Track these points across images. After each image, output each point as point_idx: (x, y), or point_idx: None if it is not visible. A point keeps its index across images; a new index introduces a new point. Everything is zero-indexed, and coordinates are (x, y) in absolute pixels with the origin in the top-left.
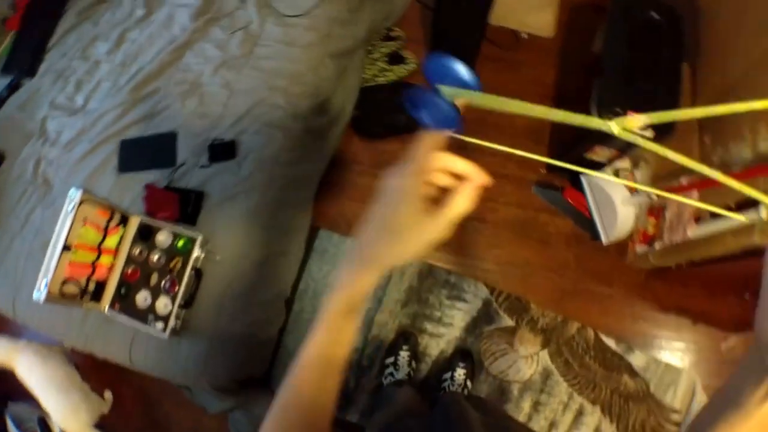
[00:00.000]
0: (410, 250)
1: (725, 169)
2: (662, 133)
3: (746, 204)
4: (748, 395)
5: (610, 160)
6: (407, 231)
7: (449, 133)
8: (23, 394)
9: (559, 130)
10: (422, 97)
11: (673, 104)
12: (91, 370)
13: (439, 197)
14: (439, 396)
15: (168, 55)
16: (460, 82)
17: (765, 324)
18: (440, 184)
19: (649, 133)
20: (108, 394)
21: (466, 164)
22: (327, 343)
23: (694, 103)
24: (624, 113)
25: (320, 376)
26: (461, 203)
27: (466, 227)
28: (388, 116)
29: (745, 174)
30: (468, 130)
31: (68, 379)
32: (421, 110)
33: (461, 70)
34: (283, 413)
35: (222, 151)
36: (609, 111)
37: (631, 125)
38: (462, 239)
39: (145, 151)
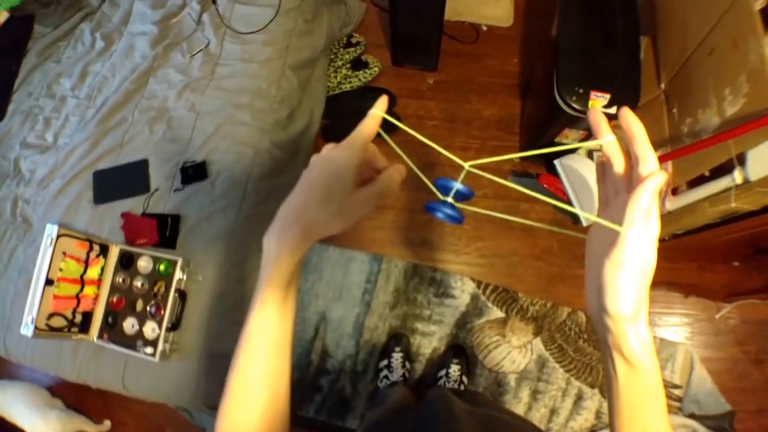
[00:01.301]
0: (342, 221)
1: (695, 137)
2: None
3: (721, 170)
4: (610, 374)
5: (581, 142)
6: (340, 201)
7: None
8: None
9: (529, 117)
10: (435, 206)
11: (634, 78)
12: (92, 401)
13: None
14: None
15: (131, 83)
16: (458, 193)
17: (589, 296)
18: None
19: (614, 110)
20: (107, 422)
21: (386, 162)
22: (270, 321)
23: (658, 75)
24: (586, 93)
25: (268, 354)
26: (389, 179)
27: (446, 224)
28: (356, 122)
29: (714, 139)
30: (439, 127)
31: (42, 400)
32: (436, 213)
33: (457, 186)
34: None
35: (194, 173)
36: (570, 92)
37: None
38: (444, 235)
39: (118, 181)
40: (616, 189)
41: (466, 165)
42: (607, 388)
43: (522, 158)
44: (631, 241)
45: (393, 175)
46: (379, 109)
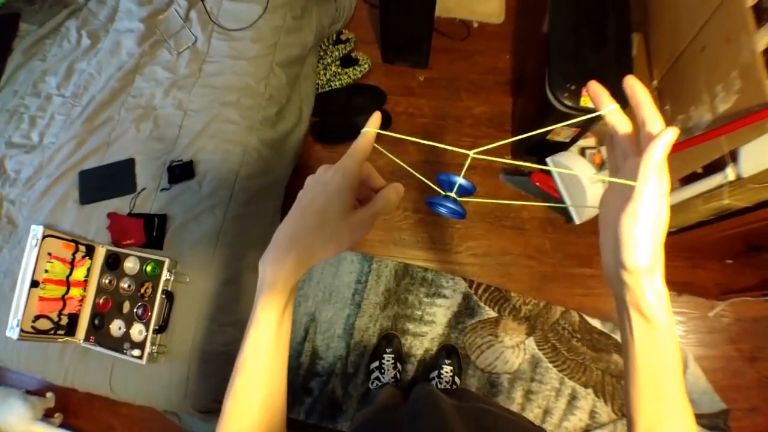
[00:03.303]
0: (336, 245)
1: (687, 134)
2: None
3: (713, 167)
4: (627, 337)
5: (572, 139)
6: (334, 226)
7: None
8: None
9: (520, 114)
10: (438, 201)
11: (626, 74)
12: (78, 405)
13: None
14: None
15: (118, 81)
16: (460, 187)
17: (605, 258)
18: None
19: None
20: (49, 394)
21: (383, 182)
22: (266, 345)
23: (650, 72)
24: (578, 90)
25: (264, 378)
26: (386, 199)
27: (437, 223)
28: (346, 120)
29: (707, 136)
30: (430, 124)
31: (1, 394)
32: (439, 208)
33: (460, 180)
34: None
35: (181, 172)
36: (562, 89)
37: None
38: (435, 235)
39: (104, 181)
40: (625, 154)
41: (471, 153)
42: (624, 355)
43: (514, 154)
44: (647, 195)
45: (390, 195)
46: (372, 126)
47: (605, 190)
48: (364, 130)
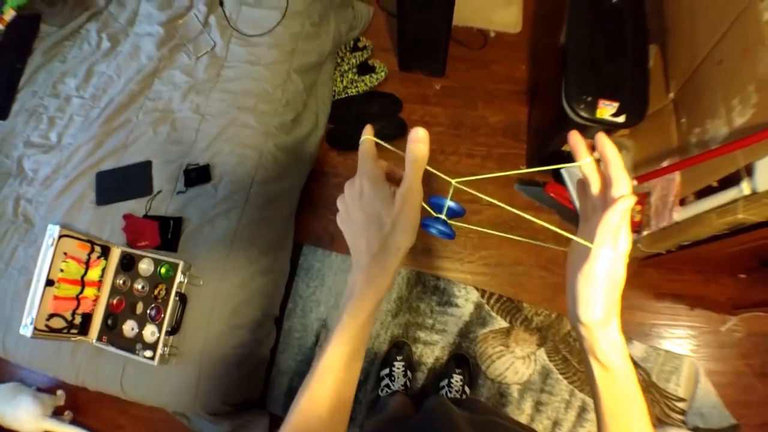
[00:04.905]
0: (403, 228)
1: (703, 147)
2: (634, 118)
3: (728, 180)
4: (591, 379)
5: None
6: (389, 212)
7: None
8: None
9: (536, 124)
10: (429, 222)
11: (643, 87)
12: (87, 403)
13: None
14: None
15: (136, 84)
16: (449, 209)
17: (568, 306)
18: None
19: (622, 119)
20: (59, 392)
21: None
22: (349, 348)
23: (667, 84)
24: (594, 101)
25: (338, 387)
26: (410, 151)
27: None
28: (362, 127)
29: (722, 150)
30: (445, 133)
31: (13, 391)
32: (429, 229)
33: (448, 202)
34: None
35: (197, 175)
36: (578, 100)
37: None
38: (448, 243)
39: (121, 182)
40: (594, 207)
41: (453, 181)
42: (592, 395)
43: (530, 165)
44: (602, 257)
45: (411, 147)
46: (368, 135)
47: (572, 243)
48: (361, 140)
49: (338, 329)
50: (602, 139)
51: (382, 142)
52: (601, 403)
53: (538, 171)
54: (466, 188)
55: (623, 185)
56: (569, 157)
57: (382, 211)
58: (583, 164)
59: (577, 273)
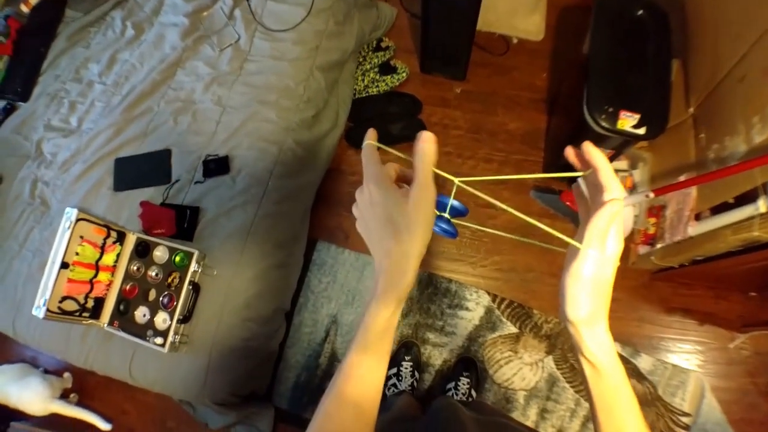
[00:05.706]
0: (418, 231)
1: (721, 163)
2: (654, 131)
3: (745, 197)
4: (583, 379)
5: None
6: (401, 212)
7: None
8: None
9: (554, 133)
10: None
11: (664, 100)
12: (94, 387)
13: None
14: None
15: (159, 74)
16: (452, 208)
17: (560, 308)
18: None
19: (643, 131)
20: (66, 374)
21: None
22: (372, 350)
23: (687, 99)
24: (616, 112)
25: (362, 389)
26: (418, 151)
27: (464, 235)
28: (381, 127)
29: (740, 167)
30: (464, 137)
31: (21, 371)
32: (433, 227)
33: (453, 202)
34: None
35: (216, 166)
36: (600, 110)
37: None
38: (462, 247)
39: (139, 169)
40: (588, 211)
41: (456, 180)
42: (585, 394)
43: (546, 171)
44: (589, 257)
45: (418, 147)
46: (371, 140)
47: (569, 246)
48: (363, 145)
49: (359, 332)
50: (589, 147)
51: (384, 147)
52: (592, 397)
53: (534, 177)
54: (480, 193)
55: (614, 190)
56: None
57: (395, 213)
58: (586, 174)
59: (565, 272)
